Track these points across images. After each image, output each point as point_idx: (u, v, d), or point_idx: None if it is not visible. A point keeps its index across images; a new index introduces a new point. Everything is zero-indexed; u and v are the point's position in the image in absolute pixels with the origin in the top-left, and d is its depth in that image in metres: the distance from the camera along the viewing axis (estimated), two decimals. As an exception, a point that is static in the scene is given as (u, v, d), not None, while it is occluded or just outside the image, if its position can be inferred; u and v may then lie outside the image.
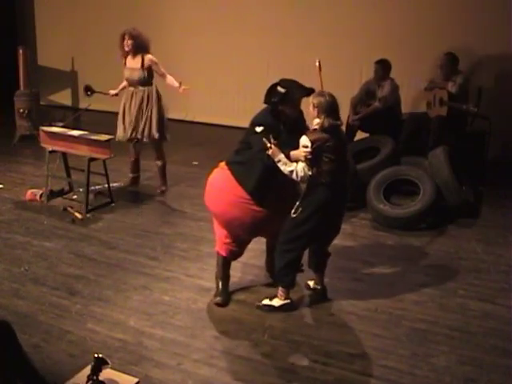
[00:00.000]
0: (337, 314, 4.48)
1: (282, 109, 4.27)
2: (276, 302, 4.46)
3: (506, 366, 3.88)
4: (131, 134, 6.50)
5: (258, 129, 4.22)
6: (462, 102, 6.95)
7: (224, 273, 4.62)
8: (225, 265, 4.62)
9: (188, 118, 9.40)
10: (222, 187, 4.42)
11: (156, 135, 6.47)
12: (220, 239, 4.56)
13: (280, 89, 4.26)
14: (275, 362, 3.91)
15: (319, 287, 4.65)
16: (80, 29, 10.43)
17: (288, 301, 4.46)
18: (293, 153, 4.15)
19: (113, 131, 6.55)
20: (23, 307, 4.49)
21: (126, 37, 6.38)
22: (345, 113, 7.32)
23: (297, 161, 4.13)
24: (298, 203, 4.24)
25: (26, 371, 3.15)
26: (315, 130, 4.18)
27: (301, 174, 4.11)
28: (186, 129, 8.75)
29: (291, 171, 4.11)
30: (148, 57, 6.44)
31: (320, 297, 4.63)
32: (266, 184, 4.26)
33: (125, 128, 6.52)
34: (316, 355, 3.97)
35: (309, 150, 4.08)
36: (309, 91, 4.30)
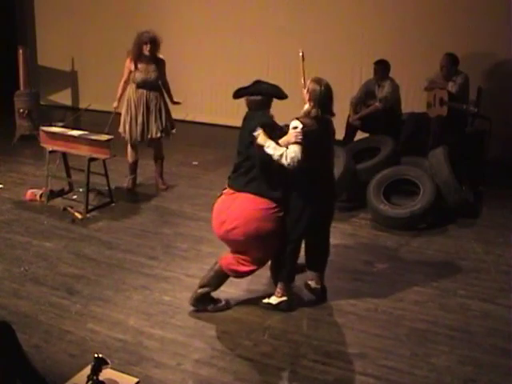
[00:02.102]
0: (337, 314, 4.48)
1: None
2: (273, 300, 4.47)
3: (506, 366, 3.88)
4: (155, 134, 6.58)
5: (256, 132, 4.15)
6: (462, 102, 6.95)
7: (219, 286, 4.50)
8: (225, 280, 4.51)
9: (188, 118, 9.39)
10: (241, 209, 4.23)
11: (169, 131, 6.69)
12: (246, 260, 4.36)
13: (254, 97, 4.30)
14: (275, 362, 3.91)
15: (319, 287, 4.65)
16: (80, 29, 10.42)
17: (285, 298, 4.45)
18: (282, 139, 4.14)
19: (112, 131, 6.53)
20: (23, 307, 4.49)
21: (148, 42, 6.36)
22: (345, 113, 7.36)
23: (287, 146, 4.11)
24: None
25: (26, 371, 3.14)
26: (305, 115, 4.19)
27: (291, 154, 4.04)
28: (186, 129, 8.74)
29: (281, 155, 4.06)
30: (161, 56, 6.55)
31: (319, 297, 4.63)
32: (282, 183, 4.23)
33: (138, 129, 6.55)
34: (316, 355, 3.97)
35: (299, 130, 4.08)
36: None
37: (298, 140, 4.08)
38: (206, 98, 9.48)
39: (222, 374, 3.81)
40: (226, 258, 4.43)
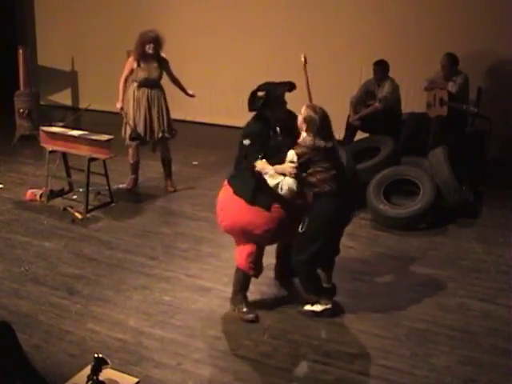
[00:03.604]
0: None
1: (270, 112, 4.24)
2: (318, 308, 4.43)
3: (506, 366, 3.88)
4: (157, 135, 6.59)
5: (246, 141, 4.20)
6: (462, 102, 6.95)
7: (246, 290, 4.53)
8: (247, 282, 4.51)
9: (188, 118, 9.40)
10: (226, 200, 4.35)
11: (173, 132, 6.72)
12: (241, 254, 4.41)
13: (260, 93, 4.24)
14: (275, 362, 3.91)
15: (329, 286, 4.59)
16: (80, 29, 10.42)
17: (329, 306, 4.43)
18: (278, 167, 4.12)
19: (112, 131, 6.51)
20: (23, 307, 4.49)
21: (151, 42, 6.36)
22: (345, 113, 7.36)
23: (282, 174, 4.10)
24: (304, 218, 4.20)
25: (26, 371, 3.15)
26: (298, 143, 4.11)
27: (285, 188, 4.06)
28: (186, 129, 8.74)
29: (276, 185, 4.08)
30: (163, 55, 6.56)
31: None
32: (264, 191, 4.19)
33: (141, 126, 6.54)
34: (316, 355, 3.97)
35: (294, 165, 4.05)
36: (289, 86, 4.28)
37: (293, 175, 4.07)
38: (206, 97, 9.46)
39: (222, 373, 3.81)
40: (236, 256, 4.46)
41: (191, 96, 6.82)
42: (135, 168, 6.88)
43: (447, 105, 6.92)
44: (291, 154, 4.08)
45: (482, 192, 6.76)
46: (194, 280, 4.93)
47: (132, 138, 6.62)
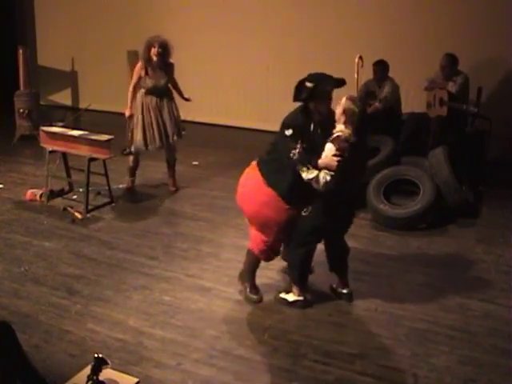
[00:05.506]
0: (337, 314, 4.48)
1: (314, 106, 4.16)
2: (290, 297, 4.51)
3: (506, 366, 3.88)
4: (167, 139, 6.58)
5: (288, 132, 4.12)
6: (462, 102, 6.95)
7: (254, 271, 4.60)
8: (256, 264, 4.58)
9: (188, 118, 9.38)
10: (253, 187, 4.34)
11: (181, 133, 6.72)
12: (255, 239, 4.48)
13: (308, 84, 4.14)
14: (275, 362, 3.92)
15: (344, 291, 4.61)
16: (80, 29, 10.43)
17: (302, 298, 4.48)
18: (322, 161, 4.03)
19: (112, 131, 6.49)
20: (23, 307, 4.49)
21: (156, 46, 6.34)
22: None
23: (325, 168, 4.02)
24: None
25: (26, 371, 3.15)
26: (338, 137, 4.04)
27: (323, 181, 4.00)
28: (186, 129, 8.74)
29: (312, 178, 4.03)
30: (171, 61, 6.54)
31: (346, 301, 4.60)
32: (298, 188, 4.16)
33: (156, 134, 6.52)
34: (316, 355, 3.97)
35: (339, 158, 3.97)
36: (339, 82, 4.18)
37: (335, 168, 3.98)
38: (206, 98, 9.46)
39: (222, 373, 3.81)
40: (250, 238, 4.53)
41: (187, 100, 6.81)
42: (133, 172, 6.85)
43: (447, 105, 6.92)
44: (332, 148, 4.00)
45: (482, 192, 6.76)
46: (194, 280, 4.92)
47: (125, 153, 6.64)
